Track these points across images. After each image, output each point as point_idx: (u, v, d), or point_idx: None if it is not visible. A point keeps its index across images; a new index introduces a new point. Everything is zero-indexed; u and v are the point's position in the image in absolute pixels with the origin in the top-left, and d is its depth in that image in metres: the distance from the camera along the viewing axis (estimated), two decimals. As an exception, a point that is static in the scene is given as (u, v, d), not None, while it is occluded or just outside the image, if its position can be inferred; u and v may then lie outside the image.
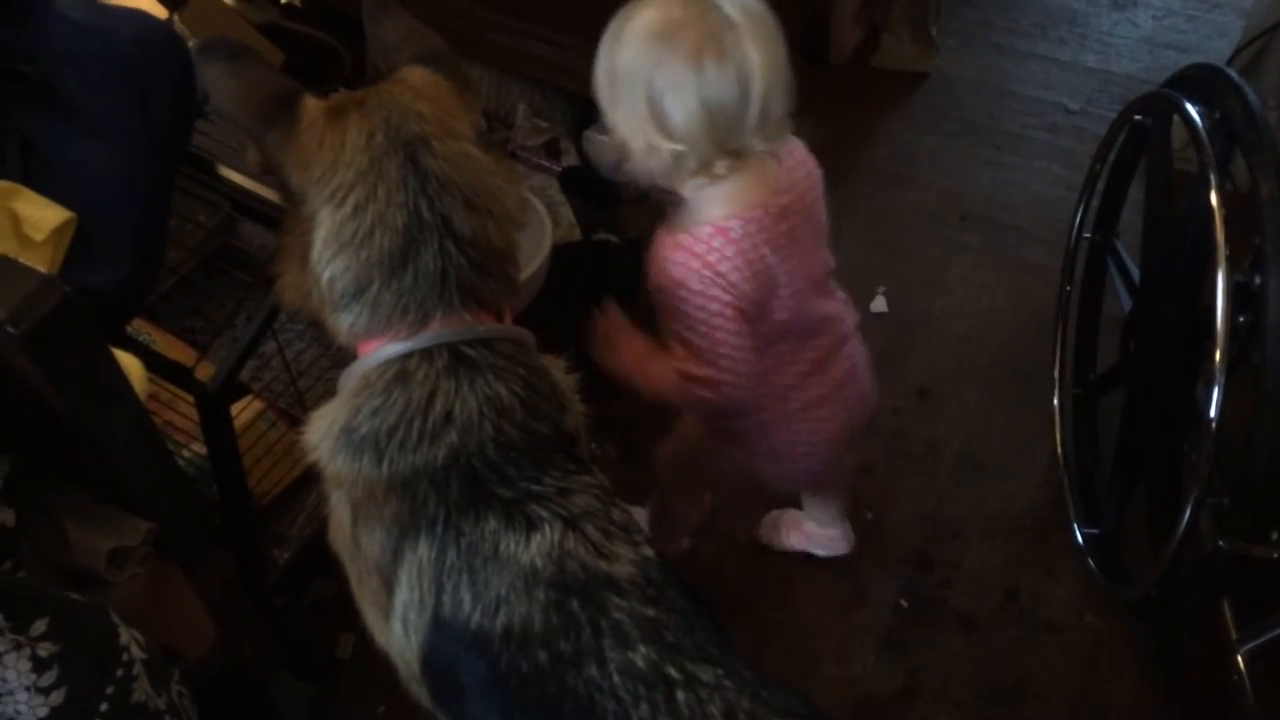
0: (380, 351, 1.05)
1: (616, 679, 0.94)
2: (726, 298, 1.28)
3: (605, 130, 1.36)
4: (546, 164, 2.44)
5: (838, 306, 1.47)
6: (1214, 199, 1.49)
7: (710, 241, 1.28)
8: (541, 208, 2.16)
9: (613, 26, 1.27)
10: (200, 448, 1.44)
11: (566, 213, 2.35)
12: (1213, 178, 1.50)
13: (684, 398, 1.38)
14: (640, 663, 0.94)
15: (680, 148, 1.25)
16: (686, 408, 1.49)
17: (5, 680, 0.95)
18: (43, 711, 0.97)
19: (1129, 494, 1.78)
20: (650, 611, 0.97)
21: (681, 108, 1.23)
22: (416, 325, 1.05)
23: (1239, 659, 1.54)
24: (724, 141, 1.26)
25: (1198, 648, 1.73)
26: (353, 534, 1.07)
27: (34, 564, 1.11)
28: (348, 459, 1.05)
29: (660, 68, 1.23)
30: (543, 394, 1.08)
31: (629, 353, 1.41)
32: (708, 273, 1.27)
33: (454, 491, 1.01)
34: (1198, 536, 1.51)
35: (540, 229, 2.11)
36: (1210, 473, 1.45)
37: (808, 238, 1.37)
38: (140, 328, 1.71)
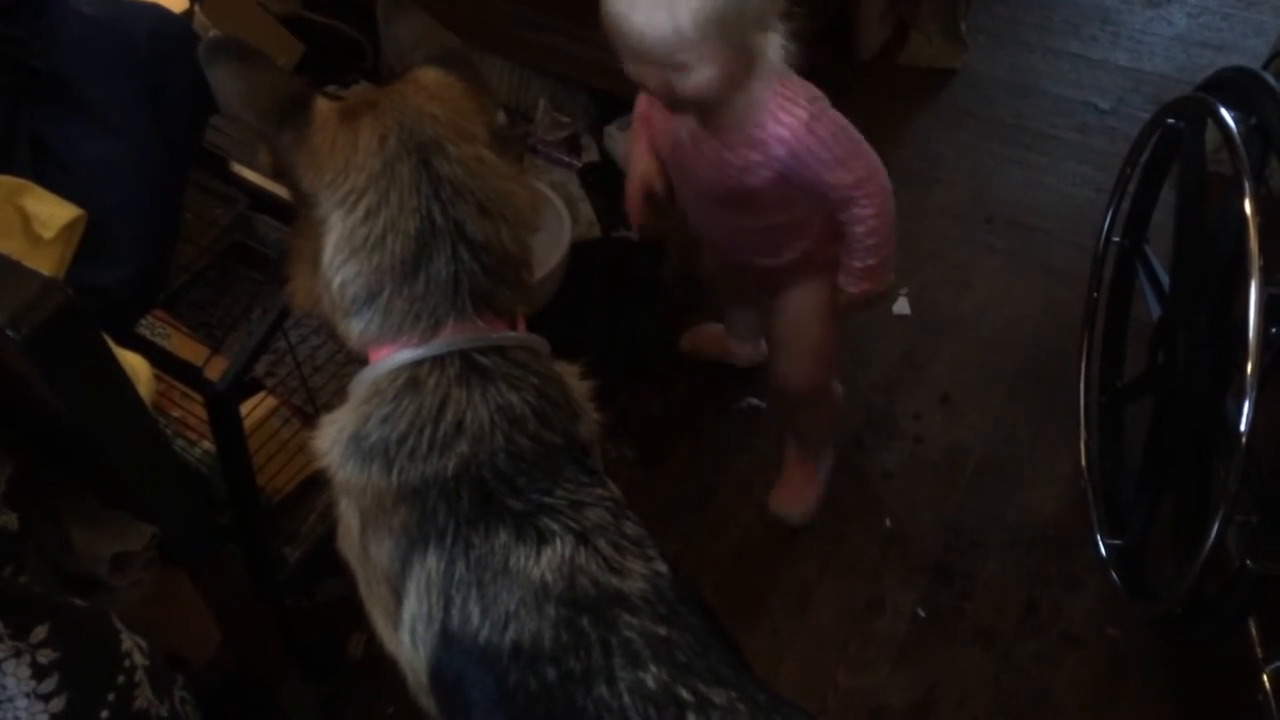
0: (391, 359, 1.04)
1: (627, 699, 0.91)
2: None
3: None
4: (567, 160, 2.42)
5: None
6: (1248, 207, 1.45)
7: (796, 86, 1.42)
8: (561, 204, 2.14)
9: None
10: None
11: (586, 209, 2.33)
12: (1247, 185, 1.46)
13: None
14: (651, 683, 0.91)
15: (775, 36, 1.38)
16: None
17: (5, 687, 0.95)
18: (43, 719, 0.97)
19: (1155, 507, 1.74)
20: (662, 630, 0.95)
21: None
22: (428, 332, 1.03)
23: (1265, 679, 1.50)
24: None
25: (1222, 666, 1.69)
26: (361, 542, 1.06)
27: (37, 568, 1.10)
28: (356, 466, 1.03)
29: None
30: (556, 402, 1.06)
31: None
32: (818, 99, 1.43)
33: (464, 503, 0.99)
34: (1224, 554, 1.48)
35: (559, 226, 2.10)
36: (1239, 489, 1.41)
37: None
38: (158, 322, 1.71)
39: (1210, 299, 1.60)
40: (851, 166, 1.45)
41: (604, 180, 2.38)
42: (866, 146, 1.47)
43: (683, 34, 1.26)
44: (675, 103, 1.39)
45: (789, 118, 1.40)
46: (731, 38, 1.29)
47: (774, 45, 1.37)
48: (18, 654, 0.95)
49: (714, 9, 1.26)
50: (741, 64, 1.34)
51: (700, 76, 1.31)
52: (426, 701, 1.07)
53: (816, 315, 1.67)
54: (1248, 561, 1.40)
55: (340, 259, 1.02)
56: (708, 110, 1.41)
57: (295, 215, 1.11)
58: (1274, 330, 1.44)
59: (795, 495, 1.91)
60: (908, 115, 2.65)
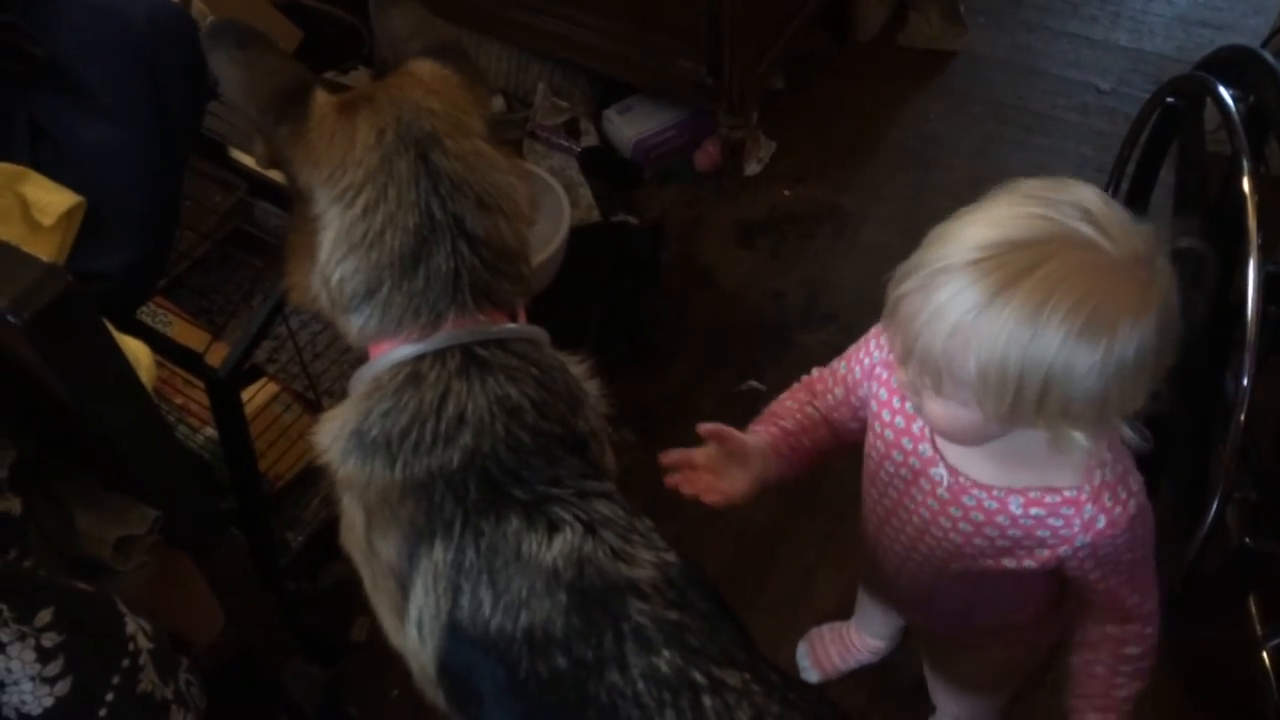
0: (392, 354, 1.03)
1: (640, 685, 0.91)
2: None
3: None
4: (566, 144, 2.42)
5: None
6: (1246, 185, 1.45)
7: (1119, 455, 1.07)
8: (560, 189, 2.14)
9: (1025, 306, 0.91)
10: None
11: (585, 194, 2.33)
12: (1245, 164, 1.46)
13: None
14: (664, 668, 0.91)
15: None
16: None
17: (10, 670, 0.95)
18: (48, 702, 0.97)
19: (1154, 486, 1.74)
20: (673, 615, 0.94)
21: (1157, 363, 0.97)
22: (429, 327, 1.03)
23: (1264, 655, 1.52)
24: None
25: (1222, 644, 1.70)
26: (367, 537, 1.05)
27: (40, 552, 1.11)
28: (359, 462, 1.03)
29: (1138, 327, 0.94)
30: (555, 394, 1.06)
31: None
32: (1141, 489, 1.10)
33: (471, 494, 0.99)
34: (1224, 532, 1.48)
35: (559, 210, 2.10)
36: (1237, 467, 1.42)
37: None
38: (159, 308, 1.71)
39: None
40: (1148, 582, 1.13)
41: (603, 164, 2.38)
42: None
43: (952, 368, 0.94)
44: (921, 413, 1.06)
45: (1115, 504, 1.05)
46: (1019, 413, 0.94)
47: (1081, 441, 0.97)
48: (22, 637, 0.95)
49: (1010, 372, 0.91)
50: (1009, 427, 0.99)
51: (945, 412, 1.00)
52: (434, 694, 1.07)
53: (1005, 673, 1.40)
54: (1247, 539, 1.40)
55: (339, 255, 1.02)
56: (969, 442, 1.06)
57: (291, 211, 1.11)
58: (1272, 308, 1.44)
59: None
60: (907, 97, 2.65)
